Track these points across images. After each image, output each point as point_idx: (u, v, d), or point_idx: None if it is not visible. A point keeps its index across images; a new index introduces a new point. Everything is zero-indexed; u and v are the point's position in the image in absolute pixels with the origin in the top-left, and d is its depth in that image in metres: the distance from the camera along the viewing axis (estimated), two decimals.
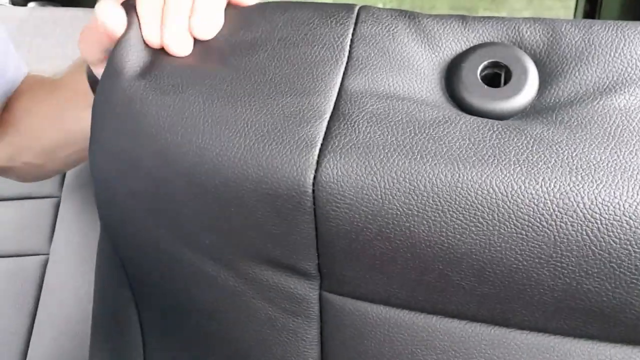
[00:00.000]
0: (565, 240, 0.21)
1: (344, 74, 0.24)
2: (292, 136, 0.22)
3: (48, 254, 0.59)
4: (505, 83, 0.24)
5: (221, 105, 0.23)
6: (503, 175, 0.21)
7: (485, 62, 0.24)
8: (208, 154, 0.23)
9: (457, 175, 0.21)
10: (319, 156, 0.22)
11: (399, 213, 0.21)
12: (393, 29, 0.25)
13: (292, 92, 0.23)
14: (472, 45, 0.24)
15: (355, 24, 0.25)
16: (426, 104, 0.23)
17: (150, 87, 0.24)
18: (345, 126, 0.23)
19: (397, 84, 0.24)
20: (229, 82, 0.24)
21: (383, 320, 0.24)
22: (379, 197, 0.21)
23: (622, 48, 0.23)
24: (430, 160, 0.22)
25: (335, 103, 0.23)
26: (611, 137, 0.22)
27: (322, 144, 0.22)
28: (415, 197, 0.21)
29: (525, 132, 0.22)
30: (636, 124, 0.22)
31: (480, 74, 0.24)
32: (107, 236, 0.28)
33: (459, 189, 0.21)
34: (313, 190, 0.22)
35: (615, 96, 0.22)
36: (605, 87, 0.23)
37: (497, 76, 0.24)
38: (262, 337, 0.26)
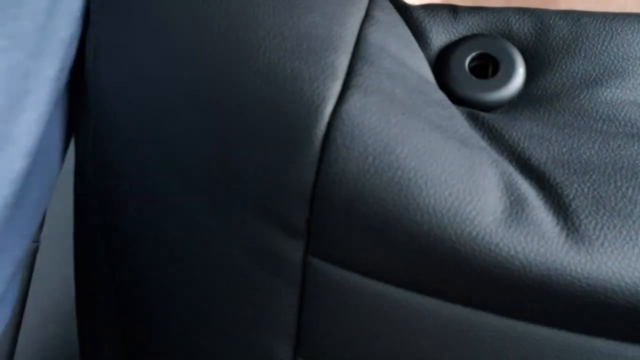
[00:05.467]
0: None
1: (362, 21, 0.23)
2: (317, 59, 0.21)
3: (38, 242, 0.59)
4: (493, 75, 0.24)
5: (241, 8, 0.22)
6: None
7: (474, 54, 0.24)
8: (218, 59, 0.21)
9: None
10: (342, 87, 0.20)
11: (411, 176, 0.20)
12: (396, 14, 0.25)
13: (319, 12, 0.22)
14: (460, 36, 0.24)
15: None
16: (429, 83, 0.23)
17: None
18: (368, 69, 0.21)
19: (406, 55, 0.23)
20: None
21: (374, 297, 0.22)
22: (397, 150, 0.20)
23: (610, 40, 0.23)
24: (440, 136, 0.21)
25: (356, 44, 0.22)
26: (598, 132, 0.22)
27: (345, 77, 0.21)
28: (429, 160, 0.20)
29: (512, 124, 0.23)
30: (622, 117, 0.22)
31: (468, 65, 0.24)
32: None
33: None
34: (329, 123, 0.20)
35: (602, 89, 0.23)
36: (592, 79, 0.23)
37: (485, 67, 0.24)
38: (234, 292, 0.24)
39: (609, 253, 0.19)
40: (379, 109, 0.20)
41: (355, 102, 0.20)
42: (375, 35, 0.22)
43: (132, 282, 0.28)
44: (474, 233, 0.19)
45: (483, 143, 0.22)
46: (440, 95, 0.23)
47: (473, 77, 0.24)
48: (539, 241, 0.19)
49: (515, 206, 0.20)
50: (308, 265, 0.22)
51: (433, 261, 0.20)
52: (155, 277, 0.26)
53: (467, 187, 0.20)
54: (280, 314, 0.24)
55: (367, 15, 0.23)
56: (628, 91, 0.22)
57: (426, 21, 0.24)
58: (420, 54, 0.24)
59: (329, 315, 0.23)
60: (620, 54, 0.23)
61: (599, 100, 0.22)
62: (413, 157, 0.20)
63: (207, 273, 0.24)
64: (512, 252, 0.20)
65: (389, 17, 0.23)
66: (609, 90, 0.23)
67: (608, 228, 0.20)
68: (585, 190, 0.20)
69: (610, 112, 0.22)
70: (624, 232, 0.19)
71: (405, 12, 0.24)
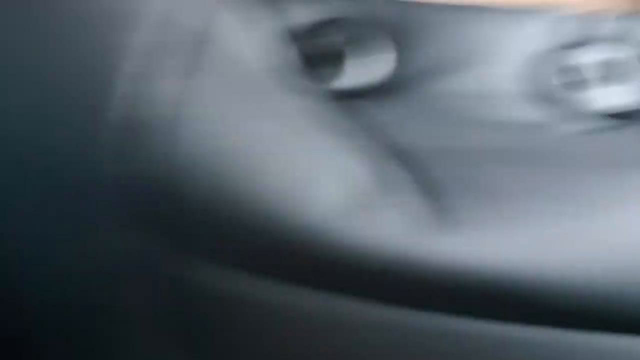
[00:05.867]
0: None
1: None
2: (114, 35, 0.20)
3: None
4: (359, 59, 0.23)
5: None
6: None
7: (342, 38, 0.23)
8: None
9: None
10: (172, 69, 0.19)
11: None
12: None
13: None
14: (327, 19, 0.23)
15: None
16: (285, 67, 0.22)
17: None
18: (209, 50, 0.20)
19: (259, 37, 0.22)
20: None
21: (243, 290, 0.20)
22: (232, 136, 0.19)
23: (453, 31, 0.23)
24: (290, 122, 0.20)
25: (198, 24, 0.21)
26: (465, 120, 0.22)
27: (179, 59, 0.20)
28: None
29: (382, 109, 0.22)
30: (473, 106, 0.23)
31: (333, 48, 0.23)
32: None
33: None
34: (141, 105, 0.19)
35: (465, 76, 0.23)
36: (455, 65, 0.23)
37: (351, 51, 0.24)
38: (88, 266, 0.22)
39: (480, 233, 0.19)
40: (215, 92, 0.19)
41: (189, 84, 0.19)
42: (222, 14, 0.21)
43: None
44: (316, 222, 0.18)
45: (349, 127, 0.21)
46: (299, 80, 0.22)
47: (338, 61, 0.23)
48: (408, 223, 0.19)
49: (383, 189, 0.19)
50: (172, 262, 0.21)
51: (285, 251, 0.19)
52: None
53: (313, 175, 0.19)
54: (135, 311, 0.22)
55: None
56: (474, 81, 0.23)
57: (287, 1, 0.23)
58: (279, 36, 0.22)
59: (208, 314, 0.22)
60: (465, 43, 0.23)
61: (451, 89, 0.23)
62: (251, 143, 0.19)
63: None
64: (370, 237, 0.19)
65: None
66: (458, 79, 0.23)
67: (478, 208, 0.20)
68: (455, 172, 0.20)
69: (462, 103, 0.22)
70: (493, 213, 0.20)
71: None
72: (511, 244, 0.19)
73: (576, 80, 0.24)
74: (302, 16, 0.23)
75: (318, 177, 0.19)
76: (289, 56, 0.23)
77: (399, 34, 0.23)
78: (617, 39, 0.24)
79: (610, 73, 0.24)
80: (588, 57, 0.24)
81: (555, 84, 0.24)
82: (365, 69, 0.23)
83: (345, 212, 0.19)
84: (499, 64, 0.24)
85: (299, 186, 0.19)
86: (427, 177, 0.20)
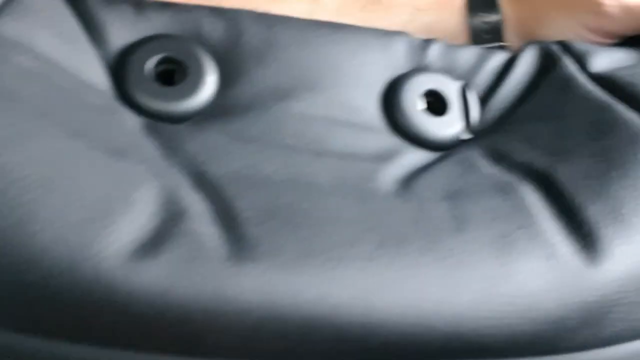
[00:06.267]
0: None
1: None
2: None
3: None
4: (180, 81, 0.21)
5: None
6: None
7: (158, 57, 0.21)
8: None
9: None
10: None
11: None
12: (59, 2, 0.21)
13: None
14: (144, 36, 0.21)
15: None
16: (89, 86, 0.20)
17: None
18: None
19: (61, 52, 0.20)
20: None
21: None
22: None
23: (302, 51, 0.21)
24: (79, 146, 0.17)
25: None
26: (286, 148, 0.20)
27: None
28: None
29: (196, 136, 0.20)
30: (311, 133, 0.20)
31: (153, 69, 0.21)
32: None
33: None
34: None
35: (293, 102, 0.21)
36: (284, 92, 0.21)
37: (174, 73, 0.21)
38: None
39: (278, 263, 0.17)
40: None
41: None
42: (11, 26, 0.18)
43: None
44: (100, 274, 0.15)
45: (151, 155, 0.18)
46: (104, 100, 0.19)
47: (156, 84, 0.21)
48: (194, 256, 0.16)
49: (169, 221, 0.17)
50: None
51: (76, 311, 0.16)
52: None
53: (102, 221, 0.16)
54: None
55: (7, 1, 0.19)
56: (319, 106, 0.21)
57: (104, 15, 0.21)
58: (89, 52, 0.20)
59: None
60: (313, 65, 0.21)
61: (290, 114, 0.21)
62: (28, 168, 0.16)
63: None
64: (149, 284, 0.16)
65: (44, 5, 0.19)
66: (300, 104, 0.21)
67: (278, 237, 0.17)
68: (260, 203, 0.18)
69: (299, 128, 0.20)
70: (295, 242, 0.17)
71: (78, 1, 0.21)
72: (307, 280, 0.16)
73: (415, 110, 0.22)
74: (121, 37, 0.21)
75: (107, 222, 0.16)
76: (111, 80, 0.20)
77: (228, 54, 0.21)
78: (444, 70, 0.23)
79: (436, 104, 0.22)
80: (422, 86, 0.22)
81: (405, 111, 0.22)
82: (186, 91, 0.21)
83: (129, 259, 0.16)
84: (352, 88, 0.22)
85: (84, 237, 0.16)
86: (230, 208, 0.18)
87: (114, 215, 0.16)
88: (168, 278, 0.16)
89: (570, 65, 0.23)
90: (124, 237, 0.16)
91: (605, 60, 0.23)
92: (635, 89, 0.21)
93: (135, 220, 0.16)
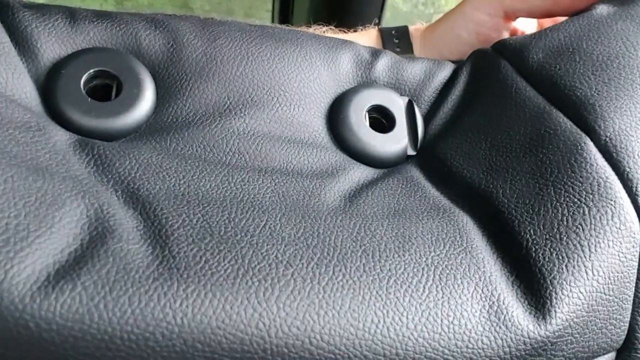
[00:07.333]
0: None
1: None
2: None
3: None
4: (115, 97, 0.20)
5: None
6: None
7: (91, 71, 0.20)
8: None
9: None
10: None
11: None
12: None
13: None
14: (77, 49, 0.20)
15: None
16: (13, 101, 0.19)
17: None
18: None
19: None
20: None
21: None
22: None
23: (245, 66, 0.21)
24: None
25: None
26: (226, 165, 0.19)
27: None
28: None
29: (130, 153, 0.19)
30: (253, 150, 0.20)
31: (86, 84, 0.20)
32: None
33: None
34: None
35: (235, 119, 0.20)
36: (225, 108, 0.20)
37: (110, 88, 0.21)
38: None
39: (210, 283, 0.16)
40: None
41: None
42: None
43: None
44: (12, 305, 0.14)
45: (79, 173, 0.17)
46: (30, 117, 0.18)
47: (89, 100, 0.20)
48: (118, 277, 0.15)
49: (94, 241, 0.16)
50: None
51: None
52: None
53: (18, 247, 0.15)
54: None
55: None
56: (262, 122, 0.20)
57: (34, 26, 0.20)
58: (17, 67, 0.19)
59: None
60: (256, 81, 0.21)
61: (231, 131, 0.20)
62: None
63: None
64: (57, 315, 0.15)
65: None
66: (242, 120, 0.20)
67: (211, 256, 0.16)
68: (194, 220, 0.17)
69: (241, 145, 0.19)
70: (229, 261, 0.16)
71: (7, 12, 0.20)
72: (240, 301, 0.16)
73: (361, 126, 0.21)
74: (52, 51, 0.20)
75: (20, 246, 0.15)
76: (41, 96, 0.19)
77: (167, 69, 0.20)
78: (391, 84, 0.22)
79: (382, 120, 0.22)
80: (368, 102, 0.21)
81: (350, 128, 0.21)
82: (121, 107, 0.20)
83: (43, 285, 0.15)
84: (296, 104, 0.21)
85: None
86: (163, 225, 0.17)
87: (30, 238, 0.15)
88: (89, 302, 0.15)
89: (507, 68, 0.22)
90: (41, 260, 0.15)
91: (542, 51, 0.22)
92: (571, 92, 0.20)
93: (55, 242, 0.15)
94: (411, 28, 0.29)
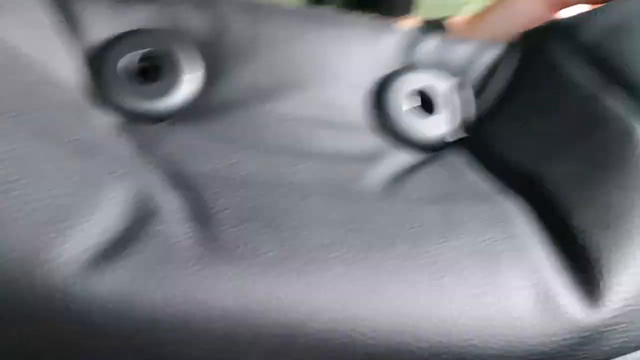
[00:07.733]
0: None
1: None
2: None
3: None
4: (160, 79, 0.20)
5: None
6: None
7: (136, 52, 0.20)
8: None
9: None
10: None
11: None
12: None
13: None
14: (123, 31, 0.20)
15: None
16: (57, 83, 0.19)
17: None
18: None
19: (32, 46, 0.19)
20: None
21: None
22: None
23: (287, 49, 0.21)
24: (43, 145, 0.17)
25: None
26: (267, 149, 0.19)
27: None
28: None
29: (175, 135, 0.19)
30: (295, 133, 0.20)
31: (131, 65, 0.20)
32: None
33: None
34: None
35: (276, 101, 0.20)
36: (266, 90, 0.20)
37: (156, 69, 0.21)
38: None
39: (254, 265, 0.16)
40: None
41: None
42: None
43: None
44: (54, 286, 0.15)
45: (122, 154, 0.17)
46: (74, 98, 0.18)
47: (134, 81, 0.20)
48: (163, 258, 0.15)
49: (138, 223, 0.16)
50: None
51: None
52: None
53: (62, 225, 0.15)
54: None
55: None
56: (303, 106, 0.20)
57: (80, 9, 0.20)
58: (61, 47, 0.19)
59: None
60: (298, 64, 0.20)
61: (272, 114, 0.20)
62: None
63: None
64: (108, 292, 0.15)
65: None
66: (283, 103, 0.20)
67: (255, 238, 0.16)
68: (238, 203, 0.17)
69: (281, 129, 0.19)
70: (273, 243, 0.16)
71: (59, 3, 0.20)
72: (284, 284, 0.16)
73: (403, 110, 0.21)
74: (97, 33, 0.20)
75: (66, 225, 0.15)
76: (86, 77, 0.20)
77: (213, 49, 0.21)
78: (436, 66, 0.22)
79: (425, 103, 0.22)
80: (410, 85, 0.21)
81: (392, 111, 0.21)
82: (167, 89, 0.20)
83: (88, 265, 0.15)
84: (338, 87, 0.21)
85: (38, 242, 0.15)
86: (206, 207, 0.17)
87: (74, 218, 0.15)
88: (132, 283, 0.15)
89: (556, 49, 0.21)
90: (84, 240, 0.15)
91: (595, 30, 0.21)
92: (626, 73, 0.20)
93: (99, 222, 0.15)
94: (449, 21, 0.29)
